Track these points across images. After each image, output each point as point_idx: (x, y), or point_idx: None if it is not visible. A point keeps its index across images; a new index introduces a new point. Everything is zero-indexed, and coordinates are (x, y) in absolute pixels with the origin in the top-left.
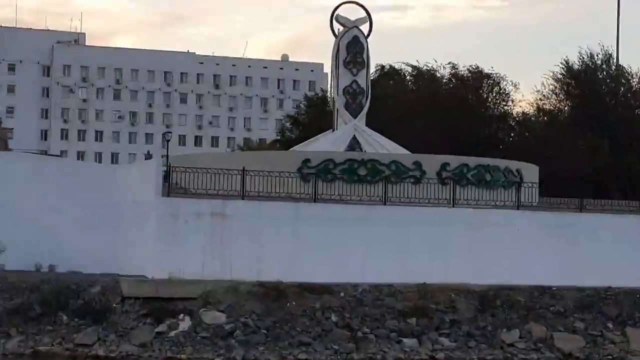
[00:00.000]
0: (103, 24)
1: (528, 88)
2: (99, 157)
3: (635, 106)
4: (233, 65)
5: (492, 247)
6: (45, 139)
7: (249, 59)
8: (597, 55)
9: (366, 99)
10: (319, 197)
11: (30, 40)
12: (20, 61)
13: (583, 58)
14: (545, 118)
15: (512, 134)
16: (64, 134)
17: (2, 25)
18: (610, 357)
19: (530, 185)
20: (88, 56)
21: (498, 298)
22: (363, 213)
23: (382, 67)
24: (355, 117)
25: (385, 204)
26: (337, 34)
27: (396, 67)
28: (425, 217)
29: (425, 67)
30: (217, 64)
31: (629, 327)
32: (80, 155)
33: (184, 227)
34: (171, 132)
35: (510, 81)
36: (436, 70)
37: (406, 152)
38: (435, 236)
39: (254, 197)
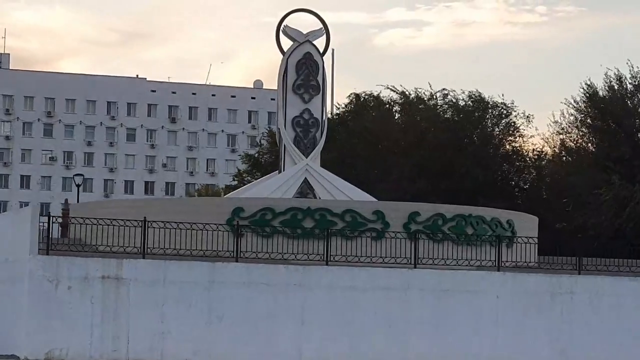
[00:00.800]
0: (41, 45)
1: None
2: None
3: None
4: (193, 93)
5: (462, 321)
6: None
7: (214, 86)
8: (626, 79)
9: (321, 133)
10: (242, 254)
11: None
12: None
13: (610, 81)
14: (563, 158)
15: (521, 179)
16: None
17: None
18: None
19: (525, 240)
20: (12, 82)
21: None
22: (299, 277)
23: (357, 95)
24: (307, 155)
25: (327, 264)
26: (285, 50)
27: (381, 95)
28: (378, 282)
29: (414, 94)
30: (174, 92)
31: None
32: (2, 206)
33: (67, 294)
34: (82, 175)
35: (522, 112)
36: (428, 98)
37: (372, 199)
38: (390, 306)
39: (158, 256)
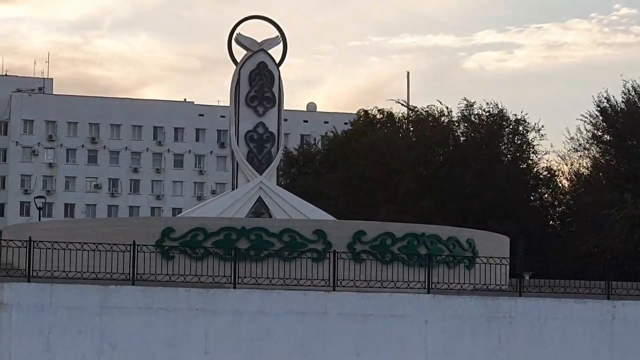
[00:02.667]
0: (124, 73)
1: None
2: None
3: None
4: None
5: (387, 348)
6: (2, 215)
7: None
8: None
9: (277, 148)
10: (139, 276)
11: None
12: None
13: (629, 93)
14: (574, 177)
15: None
16: (24, 209)
17: None
18: None
19: (486, 261)
20: (55, 108)
21: None
22: (202, 301)
23: (366, 112)
24: (261, 172)
25: (235, 288)
26: (237, 61)
27: (392, 110)
28: (291, 306)
29: (425, 110)
30: (222, 116)
31: None
32: None
33: None
34: (44, 197)
35: (533, 126)
36: (440, 115)
37: (332, 218)
38: (305, 332)
39: (45, 280)
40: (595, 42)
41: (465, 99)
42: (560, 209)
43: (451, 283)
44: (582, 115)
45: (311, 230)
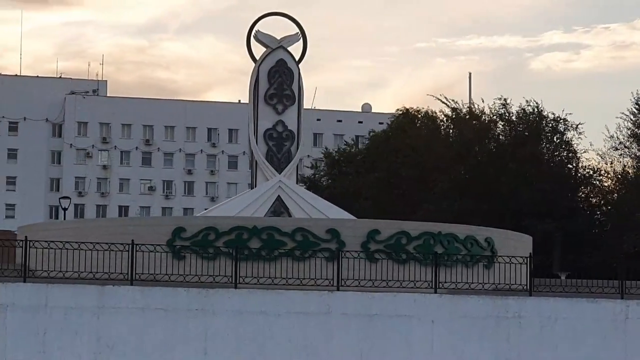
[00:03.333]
0: (189, 76)
1: None
2: None
3: None
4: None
5: (392, 349)
6: (56, 217)
7: (319, 110)
8: None
9: (297, 147)
10: (138, 276)
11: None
12: (24, 118)
13: None
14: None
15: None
16: (79, 211)
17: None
18: None
19: (507, 260)
20: (109, 110)
21: None
22: (202, 301)
23: (407, 110)
24: (280, 171)
25: (236, 287)
26: (256, 58)
27: (430, 109)
28: (293, 307)
29: (466, 108)
30: None
31: None
32: None
33: None
34: (69, 198)
35: (572, 125)
36: (481, 114)
37: (351, 217)
38: (308, 333)
39: (40, 280)
40: None
41: (501, 97)
42: (603, 208)
43: (458, 282)
44: (622, 113)
45: (324, 229)
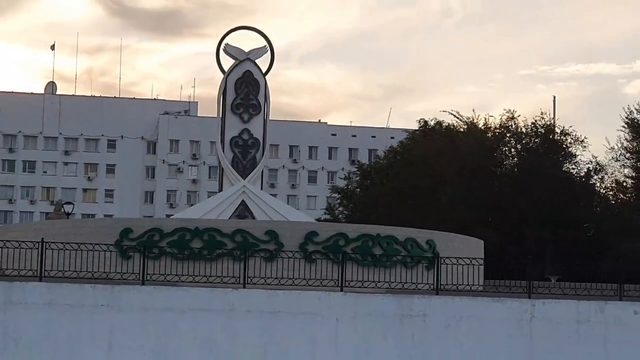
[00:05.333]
0: (311, 100)
1: None
2: None
3: None
4: (373, 136)
5: (296, 346)
6: None
7: (393, 129)
8: None
9: (262, 154)
10: (47, 272)
11: (132, 112)
12: (122, 136)
13: None
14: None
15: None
16: None
17: (102, 95)
18: None
19: (451, 261)
20: (199, 129)
21: None
22: (108, 297)
23: (426, 122)
24: (244, 177)
25: (143, 284)
26: (225, 70)
27: (448, 122)
28: (198, 303)
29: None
30: (354, 136)
31: None
32: None
33: None
34: (73, 204)
35: (575, 136)
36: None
37: (310, 219)
38: (212, 329)
39: None
40: None
41: (507, 110)
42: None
43: (374, 281)
44: (622, 126)
45: (263, 231)
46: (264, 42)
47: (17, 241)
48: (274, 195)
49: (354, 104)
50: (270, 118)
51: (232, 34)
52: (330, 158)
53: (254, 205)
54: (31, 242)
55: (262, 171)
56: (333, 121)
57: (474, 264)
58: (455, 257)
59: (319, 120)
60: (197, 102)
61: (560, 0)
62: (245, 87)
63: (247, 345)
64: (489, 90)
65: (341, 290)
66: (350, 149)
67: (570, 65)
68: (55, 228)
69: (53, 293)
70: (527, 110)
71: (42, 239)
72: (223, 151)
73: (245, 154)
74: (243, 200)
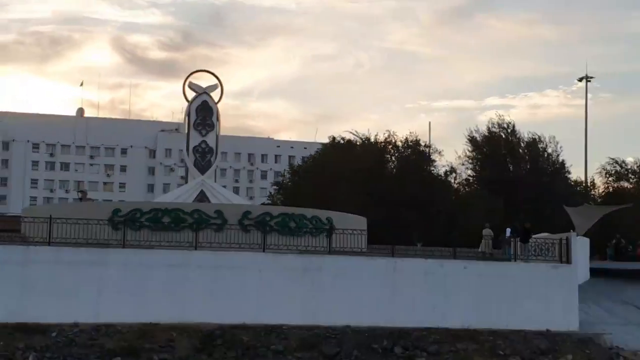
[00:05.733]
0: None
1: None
2: None
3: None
4: (305, 147)
5: (232, 291)
6: None
7: (319, 142)
8: (499, 125)
9: (215, 157)
10: (53, 239)
11: (139, 129)
12: (131, 146)
13: (492, 126)
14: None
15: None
16: None
17: (117, 117)
18: None
19: (342, 231)
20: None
21: (222, 337)
22: (97, 256)
23: (334, 138)
24: (203, 173)
25: (124, 247)
26: (189, 99)
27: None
28: (165, 260)
29: (364, 137)
30: (292, 147)
31: None
32: None
33: None
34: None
35: (435, 149)
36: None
37: (249, 202)
38: (174, 280)
39: None
40: (562, 103)
41: (388, 130)
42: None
43: (287, 245)
44: (465, 142)
45: (213, 210)
46: (216, 81)
47: (32, 217)
48: (237, 187)
49: (294, 126)
50: (233, 134)
51: (195, 74)
52: (276, 162)
53: (209, 193)
54: (43, 217)
55: (215, 170)
56: (279, 137)
57: (357, 234)
58: (344, 229)
59: (269, 136)
60: (182, 123)
61: (434, 57)
62: (203, 112)
63: (199, 290)
64: (386, 118)
65: (263, 251)
66: (289, 156)
67: (441, 101)
68: (67, 209)
69: (58, 254)
70: (414, 131)
71: (50, 215)
72: (188, 156)
73: (203, 158)
74: (202, 190)
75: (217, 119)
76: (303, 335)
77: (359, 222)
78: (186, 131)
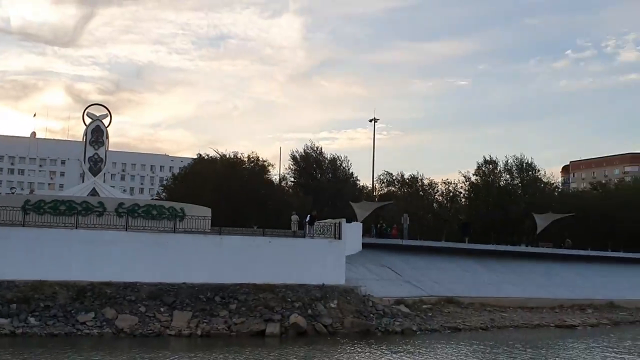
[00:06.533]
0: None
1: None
2: None
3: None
4: (189, 163)
5: (102, 256)
6: None
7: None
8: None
9: (104, 165)
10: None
11: (74, 147)
12: (68, 158)
13: (307, 148)
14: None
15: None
16: None
17: (60, 138)
18: (151, 331)
19: (191, 217)
20: None
21: (92, 291)
22: (6, 232)
23: (200, 154)
24: (95, 175)
25: (24, 226)
26: (86, 123)
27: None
28: (54, 235)
29: (221, 154)
30: (181, 161)
31: (176, 310)
32: None
33: None
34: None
35: (269, 164)
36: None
37: (130, 197)
38: (61, 250)
39: None
40: (368, 137)
41: (235, 152)
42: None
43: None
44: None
45: (97, 202)
46: (107, 112)
47: None
48: (142, 188)
49: (190, 148)
50: (144, 152)
51: (92, 106)
52: (169, 171)
53: (99, 189)
54: None
55: (104, 174)
56: (178, 155)
57: (202, 219)
58: (193, 215)
59: (166, 154)
60: None
61: (286, 104)
62: (96, 133)
63: (79, 257)
64: (253, 144)
65: (126, 230)
66: (180, 168)
67: (290, 133)
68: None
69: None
70: (269, 154)
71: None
72: (85, 163)
73: (95, 165)
74: (94, 187)
75: (107, 138)
76: (151, 290)
77: (205, 212)
78: (84, 147)
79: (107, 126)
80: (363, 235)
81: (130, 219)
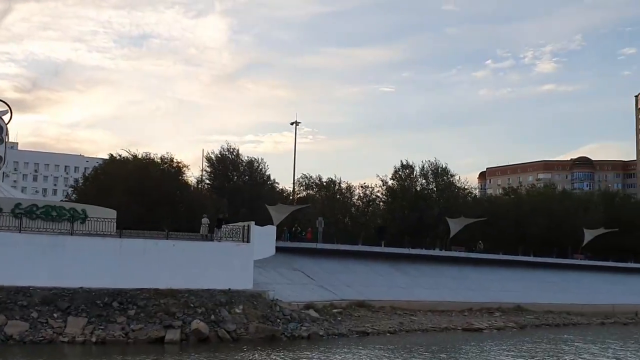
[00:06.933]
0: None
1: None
2: None
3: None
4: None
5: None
6: None
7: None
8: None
9: (3, 163)
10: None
11: None
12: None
13: (222, 150)
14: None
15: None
16: None
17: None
18: (43, 338)
19: (94, 219)
20: None
21: None
22: None
23: (112, 155)
24: None
25: None
26: None
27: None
28: None
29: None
30: (97, 163)
31: (71, 316)
32: None
33: None
34: None
35: (184, 165)
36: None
37: (26, 197)
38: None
39: None
40: (298, 140)
41: (147, 153)
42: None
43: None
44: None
45: None
46: (7, 108)
47: None
48: (56, 189)
49: (110, 149)
50: (61, 152)
51: None
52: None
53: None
54: None
55: (3, 172)
56: (98, 156)
57: (105, 221)
58: (96, 217)
59: (81, 154)
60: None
61: (210, 106)
62: None
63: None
64: (175, 146)
65: (19, 232)
66: (93, 168)
67: (214, 135)
68: None
69: None
70: (192, 156)
71: None
72: None
73: None
74: None
75: (7, 135)
76: (44, 294)
77: (109, 213)
78: None
79: (8, 123)
80: (277, 239)
81: (28, 220)
